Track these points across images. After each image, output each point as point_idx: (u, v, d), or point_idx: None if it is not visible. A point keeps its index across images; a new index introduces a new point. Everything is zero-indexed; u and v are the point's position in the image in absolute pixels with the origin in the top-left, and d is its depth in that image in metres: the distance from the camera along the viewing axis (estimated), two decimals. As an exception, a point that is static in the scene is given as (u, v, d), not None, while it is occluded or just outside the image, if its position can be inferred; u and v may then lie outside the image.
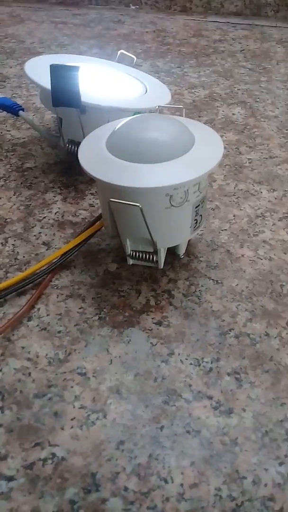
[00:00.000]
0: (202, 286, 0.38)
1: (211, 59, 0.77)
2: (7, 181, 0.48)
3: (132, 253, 0.37)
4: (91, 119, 0.43)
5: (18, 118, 0.54)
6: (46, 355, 0.33)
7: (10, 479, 0.27)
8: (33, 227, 0.43)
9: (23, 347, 0.33)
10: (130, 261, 0.38)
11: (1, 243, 0.41)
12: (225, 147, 0.54)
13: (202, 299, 0.37)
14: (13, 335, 0.34)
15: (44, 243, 0.41)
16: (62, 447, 0.28)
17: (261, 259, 0.40)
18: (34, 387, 0.31)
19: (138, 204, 0.32)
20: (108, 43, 0.82)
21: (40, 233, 0.42)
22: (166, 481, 0.27)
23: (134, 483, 0.27)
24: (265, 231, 0.43)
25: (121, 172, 0.33)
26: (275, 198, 0.47)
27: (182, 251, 0.40)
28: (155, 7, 1.00)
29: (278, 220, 0.45)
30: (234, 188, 0.49)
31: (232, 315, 0.36)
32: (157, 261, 0.37)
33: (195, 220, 0.37)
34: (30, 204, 0.46)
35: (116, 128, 0.36)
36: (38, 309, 0.36)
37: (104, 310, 0.36)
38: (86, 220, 0.44)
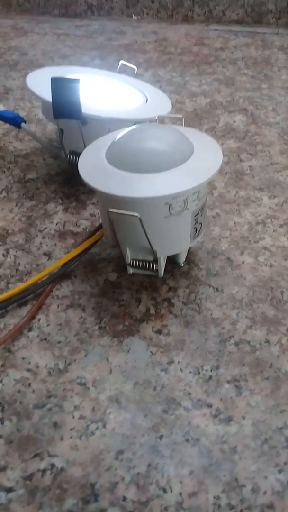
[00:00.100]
0: (202, 294, 0.38)
1: (212, 68, 0.78)
2: (10, 192, 0.49)
3: (132, 262, 0.38)
4: (92, 130, 0.43)
5: (20, 130, 0.54)
6: (46, 365, 0.33)
7: (9, 490, 0.27)
8: (34, 237, 0.43)
9: (23, 358, 0.34)
10: (131, 270, 0.38)
11: (3, 254, 0.42)
12: (226, 155, 0.54)
13: (202, 307, 0.37)
14: (14, 345, 0.34)
15: (45, 254, 0.42)
16: (61, 457, 0.28)
17: (262, 266, 0.40)
18: (34, 397, 0.31)
19: (137, 214, 0.33)
20: (110, 53, 0.83)
21: (41, 243, 0.43)
22: (165, 490, 0.27)
23: (133, 493, 0.27)
24: (266, 238, 0.43)
25: (120, 183, 0.33)
26: (276, 205, 0.47)
27: (182, 259, 0.40)
28: (157, 17, 1.01)
29: (279, 227, 0.45)
30: (235, 195, 0.49)
31: (232, 322, 0.36)
32: (157, 270, 0.38)
33: (194, 228, 0.37)
34: (32, 215, 0.46)
35: (116, 138, 0.37)
36: (39, 319, 0.36)
37: (104, 319, 0.36)
38: (87, 230, 0.44)
